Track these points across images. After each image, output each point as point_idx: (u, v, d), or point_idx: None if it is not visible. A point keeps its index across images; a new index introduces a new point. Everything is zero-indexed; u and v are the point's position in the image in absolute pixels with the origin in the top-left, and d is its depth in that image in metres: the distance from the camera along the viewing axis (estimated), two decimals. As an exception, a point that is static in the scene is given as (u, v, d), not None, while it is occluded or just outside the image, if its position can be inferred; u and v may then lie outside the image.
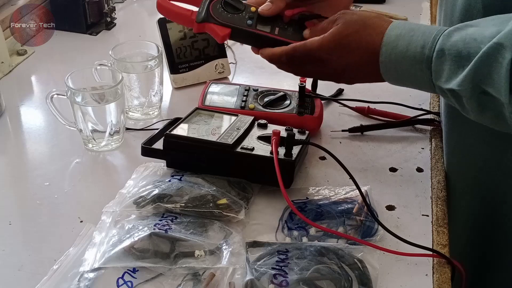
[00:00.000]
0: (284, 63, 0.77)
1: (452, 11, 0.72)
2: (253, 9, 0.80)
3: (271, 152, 0.74)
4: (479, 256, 0.82)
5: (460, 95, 0.61)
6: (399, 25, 0.67)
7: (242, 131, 0.79)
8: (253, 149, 0.76)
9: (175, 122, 0.83)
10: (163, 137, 0.78)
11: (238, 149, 0.76)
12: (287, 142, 0.74)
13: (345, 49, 0.70)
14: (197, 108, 0.86)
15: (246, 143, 0.77)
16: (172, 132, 0.79)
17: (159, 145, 0.79)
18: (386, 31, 0.67)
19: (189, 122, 0.82)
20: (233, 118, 0.84)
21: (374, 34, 0.68)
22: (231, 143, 0.76)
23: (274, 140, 0.73)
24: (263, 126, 0.82)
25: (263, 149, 0.76)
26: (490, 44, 0.56)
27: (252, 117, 0.83)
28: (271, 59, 0.78)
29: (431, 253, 0.67)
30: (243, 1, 0.82)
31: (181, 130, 0.80)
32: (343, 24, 0.70)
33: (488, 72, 0.57)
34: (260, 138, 0.79)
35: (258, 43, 0.80)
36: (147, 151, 0.79)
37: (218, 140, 0.76)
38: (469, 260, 0.80)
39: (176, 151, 0.78)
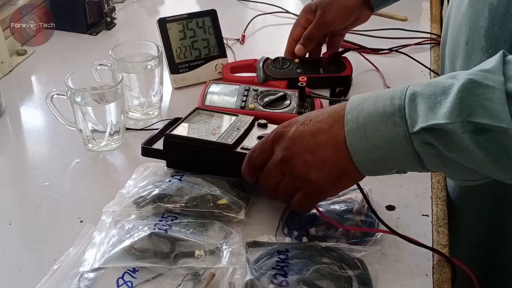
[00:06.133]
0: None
1: (461, 22, 0.71)
2: (296, 60, 1.02)
3: (271, 152, 0.74)
4: (485, 271, 0.82)
5: (447, 131, 0.52)
6: (359, 95, 0.62)
7: (242, 131, 0.79)
8: (253, 149, 0.76)
9: (175, 122, 0.83)
10: (163, 137, 0.78)
11: (238, 149, 0.76)
12: (287, 142, 0.74)
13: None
14: (197, 108, 0.86)
15: (246, 143, 0.77)
16: (172, 132, 0.78)
17: (159, 145, 0.79)
18: (347, 106, 0.61)
19: (189, 122, 0.82)
20: (233, 118, 0.83)
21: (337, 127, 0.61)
22: (231, 143, 0.75)
23: (274, 140, 0.73)
24: (263, 126, 0.82)
25: (263, 149, 0.76)
26: (466, 76, 0.52)
27: (252, 117, 0.83)
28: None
29: (431, 252, 0.67)
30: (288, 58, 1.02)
31: (181, 130, 0.80)
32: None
33: (476, 102, 0.51)
34: (260, 138, 0.79)
35: (311, 85, 0.93)
36: (147, 151, 0.79)
37: (218, 140, 0.76)
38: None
39: (176, 151, 0.78)
